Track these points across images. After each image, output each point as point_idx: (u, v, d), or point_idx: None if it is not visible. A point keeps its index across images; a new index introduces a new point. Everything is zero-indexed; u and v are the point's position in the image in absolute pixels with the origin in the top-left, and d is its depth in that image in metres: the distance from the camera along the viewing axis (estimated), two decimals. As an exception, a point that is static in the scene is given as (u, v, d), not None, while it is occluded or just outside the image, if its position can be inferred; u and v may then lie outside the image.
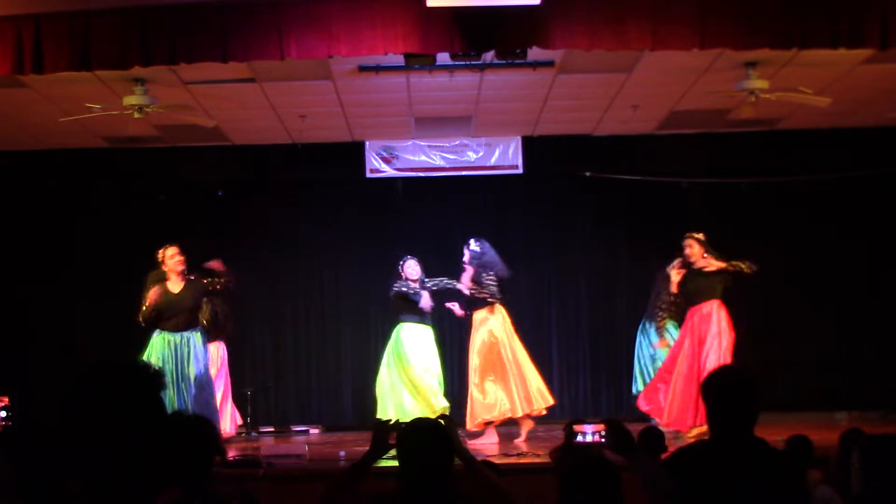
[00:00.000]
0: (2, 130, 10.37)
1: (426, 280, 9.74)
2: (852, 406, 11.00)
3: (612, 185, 11.47)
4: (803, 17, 7.00)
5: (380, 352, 11.21)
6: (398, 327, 9.79)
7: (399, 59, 7.91)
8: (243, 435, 10.47)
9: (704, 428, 7.57)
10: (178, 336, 8.34)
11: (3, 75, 7.37)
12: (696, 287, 9.03)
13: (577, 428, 3.43)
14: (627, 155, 11.38)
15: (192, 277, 8.55)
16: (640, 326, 10.61)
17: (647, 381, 10.08)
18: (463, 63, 8.21)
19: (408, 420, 3.63)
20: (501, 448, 8.55)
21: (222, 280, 8.69)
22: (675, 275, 9.11)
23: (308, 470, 7.25)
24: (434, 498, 3.22)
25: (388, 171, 11.39)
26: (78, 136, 10.44)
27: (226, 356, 10.05)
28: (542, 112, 10.37)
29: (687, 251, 9.10)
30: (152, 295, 8.27)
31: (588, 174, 11.49)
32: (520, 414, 9.10)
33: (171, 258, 8.46)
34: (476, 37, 6.96)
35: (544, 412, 9.35)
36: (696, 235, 9.19)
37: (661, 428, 7.05)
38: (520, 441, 8.97)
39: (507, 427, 9.78)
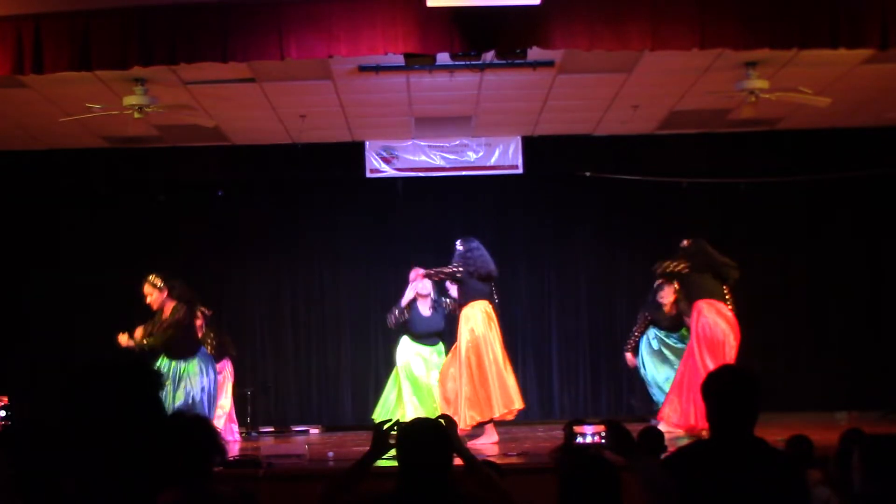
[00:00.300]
0: (2, 130, 10.37)
1: (441, 300, 9.68)
2: (852, 406, 11.00)
3: (612, 185, 11.47)
4: (803, 17, 7.00)
5: (380, 352, 11.25)
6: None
7: (399, 59, 7.91)
8: (243, 435, 10.47)
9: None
10: (168, 363, 8.29)
11: (3, 75, 7.37)
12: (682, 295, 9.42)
13: (577, 429, 3.43)
14: (627, 155, 11.38)
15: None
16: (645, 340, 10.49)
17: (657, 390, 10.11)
18: (463, 63, 8.21)
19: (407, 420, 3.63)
20: (501, 448, 8.53)
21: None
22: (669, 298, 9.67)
23: (308, 470, 7.24)
24: (434, 498, 3.22)
25: (388, 171, 11.39)
26: (78, 136, 10.45)
27: (232, 375, 10.02)
28: (542, 112, 10.37)
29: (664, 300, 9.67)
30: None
31: (588, 174, 11.49)
32: (496, 415, 8.94)
33: (147, 293, 8.37)
34: (476, 37, 6.96)
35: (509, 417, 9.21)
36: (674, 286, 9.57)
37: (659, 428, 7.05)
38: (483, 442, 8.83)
39: (506, 427, 9.80)
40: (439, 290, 9.77)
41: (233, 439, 9.81)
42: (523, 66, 8.63)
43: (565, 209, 11.85)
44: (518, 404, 8.93)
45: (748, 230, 11.64)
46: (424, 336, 9.77)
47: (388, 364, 10.25)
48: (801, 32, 7.03)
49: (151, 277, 8.37)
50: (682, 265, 9.13)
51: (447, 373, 9.12)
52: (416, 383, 9.76)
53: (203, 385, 8.29)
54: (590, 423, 3.50)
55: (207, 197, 11.55)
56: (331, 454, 7.97)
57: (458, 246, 9.27)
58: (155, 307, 8.35)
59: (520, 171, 11.37)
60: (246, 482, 6.39)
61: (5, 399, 7.15)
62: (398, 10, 6.92)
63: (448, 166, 11.42)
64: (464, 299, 9.04)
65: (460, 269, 9.04)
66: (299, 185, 11.65)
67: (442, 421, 3.51)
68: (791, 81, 8.75)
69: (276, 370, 11.73)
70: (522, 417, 11.48)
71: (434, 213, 11.84)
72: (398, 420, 3.66)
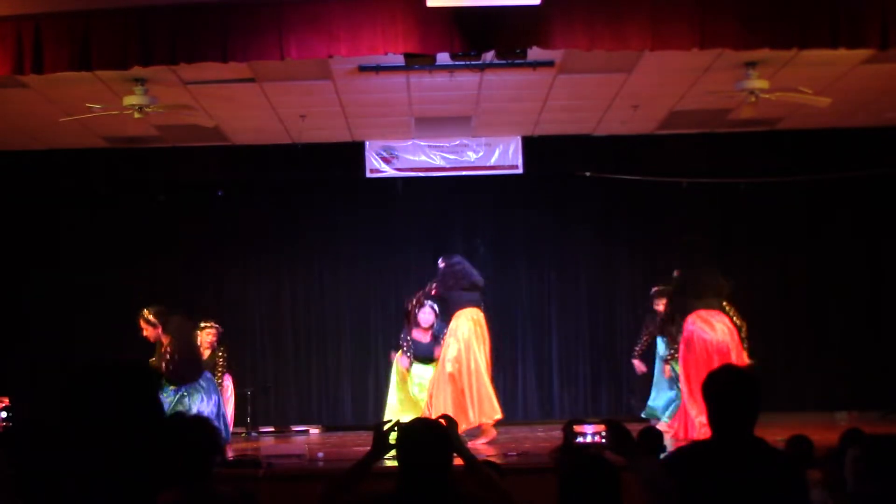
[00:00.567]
0: (2, 130, 10.37)
1: (443, 331, 9.58)
2: (852, 406, 11.00)
3: (612, 185, 11.47)
4: (803, 17, 7.00)
5: (380, 352, 11.24)
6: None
7: (399, 59, 7.91)
8: (243, 435, 10.47)
9: None
10: (166, 391, 8.27)
11: (3, 75, 7.37)
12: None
13: (577, 429, 3.43)
14: (627, 155, 11.38)
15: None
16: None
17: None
18: (463, 63, 8.21)
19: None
20: (501, 448, 8.53)
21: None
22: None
23: (308, 470, 7.25)
24: (434, 498, 3.22)
25: (388, 171, 11.39)
26: (78, 136, 10.45)
27: (232, 388, 10.05)
28: (542, 112, 10.37)
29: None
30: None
31: (588, 174, 11.48)
32: (474, 423, 8.95)
33: (143, 328, 8.34)
34: (476, 37, 6.96)
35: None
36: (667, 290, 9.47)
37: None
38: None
39: (506, 427, 9.79)
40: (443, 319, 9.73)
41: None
42: (523, 66, 8.63)
43: (565, 209, 11.85)
44: (497, 415, 8.94)
45: (748, 230, 11.64)
46: (421, 359, 9.81)
47: (388, 364, 10.25)
48: (801, 32, 7.03)
49: (145, 313, 8.35)
50: (667, 313, 9.32)
51: (434, 382, 9.17)
52: (406, 395, 9.85)
53: (201, 410, 8.26)
54: (590, 423, 3.50)
55: (207, 197, 11.55)
56: (320, 455, 7.98)
57: (440, 263, 9.36)
58: (151, 340, 8.37)
59: (520, 171, 11.36)
60: (246, 482, 6.39)
61: (6, 400, 7.16)
62: (398, 10, 6.92)
63: (448, 166, 11.42)
64: (451, 310, 9.13)
65: (434, 287, 9.22)
66: (299, 185, 11.65)
67: (442, 421, 3.51)
68: (791, 81, 8.75)
69: (276, 370, 11.73)
70: (522, 417, 11.55)
71: (434, 213, 11.84)
72: (398, 420, 3.67)
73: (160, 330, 8.33)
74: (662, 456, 4.61)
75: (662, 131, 11.13)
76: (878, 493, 3.68)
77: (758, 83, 8.59)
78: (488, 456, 7.12)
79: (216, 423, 8.00)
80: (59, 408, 1.86)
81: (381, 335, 11.49)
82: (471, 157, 11.39)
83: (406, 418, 9.34)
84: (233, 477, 6.57)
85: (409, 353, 9.67)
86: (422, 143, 11.36)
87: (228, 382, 9.90)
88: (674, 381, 9.82)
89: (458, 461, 3.43)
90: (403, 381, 9.98)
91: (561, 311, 11.92)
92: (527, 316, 11.90)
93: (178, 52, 7.06)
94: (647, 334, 10.28)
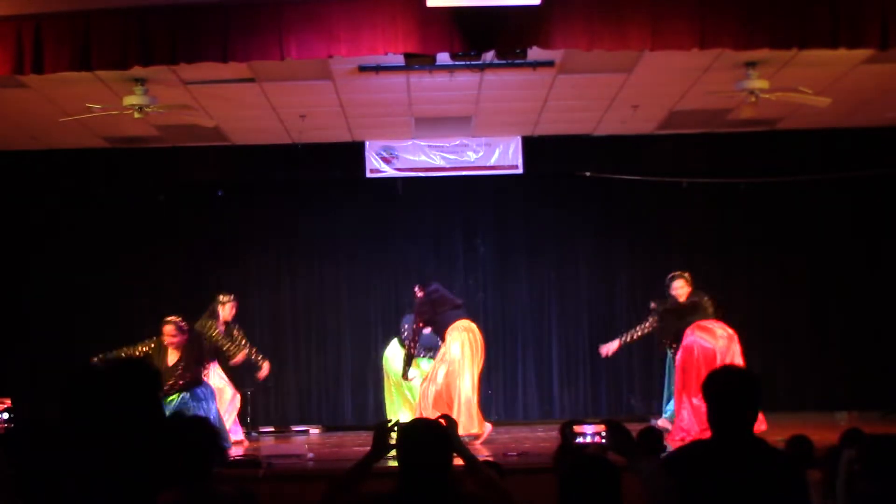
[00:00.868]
0: (2, 130, 10.37)
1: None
2: (852, 406, 11.00)
3: (612, 185, 11.48)
4: (803, 17, 7.00)
5: (380, 352, 11.23)
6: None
7: (399, 59, 7.91)
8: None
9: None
10: (166, 398, 8.27)
11: (3, 75, 7.37)
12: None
13: (577, 428, 3.43)
14: (627, 155, 11.38)
15: (188, 342, 8.51)
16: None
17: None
18: (463, 63, 8.22)
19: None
20: (500, 448, 8.53)
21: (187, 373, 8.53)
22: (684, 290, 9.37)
23: (308, 470, 7.25)
24: (434, 498, 3.22)
25: (388, 171, 11.39)
26: (78, 136, 10.45)
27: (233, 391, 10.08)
28: (542, 112, 10.37)
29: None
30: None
31: (588, 174, 11.48)
32: None
33: (169, 336, 8.39)
34: (476, 37, 6.96)
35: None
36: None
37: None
38: None
39: (506, 427, 9.79)
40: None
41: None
42: (523, 66, 8.63)
43: (565, 209, 11.84)
44: (474, 429, 8.92)
45: (748, 230, 11.64)
46: (422, 349, 9.87)
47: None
48: (801, 32, 7.03)
49: (176, 320, 8.46)
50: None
51: (422, 395, 9.21)
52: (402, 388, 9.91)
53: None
54: (590, 423, 3.50)
55: (207, 197, 11.55)
56: (311, 455, 7.99)
57: (417, 293, 9.42)
58: (172, 348, 8.39)
59: (520, 171, 11.36)
60: (246, 482, 6.39)
61: (8, 402, 7.16)
62: (398, 10, 6.92)
63: (448, 166, 11.42)
64: (443, 329, 9.16)
65: (419, 323, 9.26)
66: (299, 185, 11.64)
67: (442, 421, 3.51)
68: (791, 81, 8.75)
69: (276, 370, 11.70)
70: (522, 417, 11.55)
71: (434, 213, 11.84)
72: (398, 420, 3.67)
73: (187, 338, 8.42)
74: (662, 456, 4.60)
75: (662, 131, 11.13)
76: (877, 493, 3.68)
77: (758, 83, 8.59)
78: (488, 456, 7.12)
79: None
80: (59, 408, 1.86)
81: (382, 335, 11.48)
82: (471, 157, 11.39)
83: (403, 415, 9.44)
84: (233, 477, 6.56)
85: (414, 351, 9.67)
86: (422, 143, 11.36)
87: (230, 389, 9.89)
88: None
89: (458, 461, 3.43)
90: (398, 386, 10.05)
91: (561, 311, 11.91)
92: (527, 316, 11.90)
93: (178, 52, 7.06)
94: (647, 327, 10.03)
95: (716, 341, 8.82)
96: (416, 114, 10.37)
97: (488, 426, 9.25)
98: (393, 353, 10.36)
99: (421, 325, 9.31)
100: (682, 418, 8.82)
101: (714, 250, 11.61)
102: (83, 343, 10.75)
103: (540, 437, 9.55)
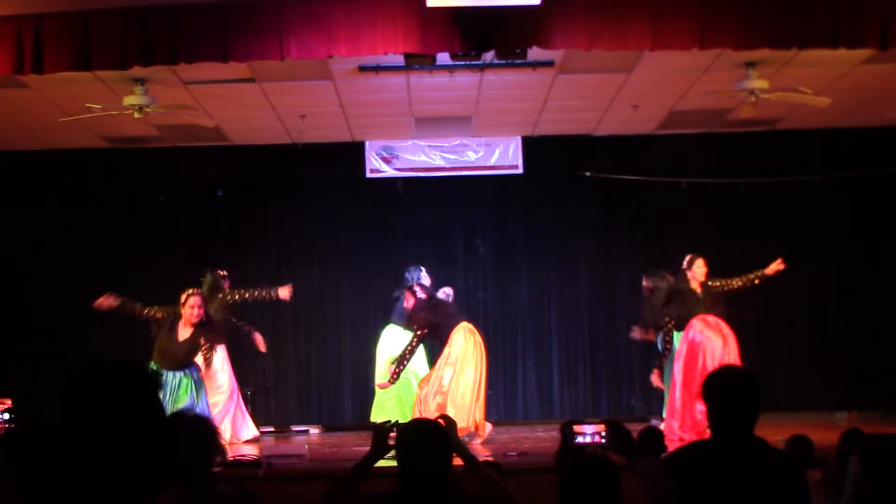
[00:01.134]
0: (2, 130, 10.37)
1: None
2: (852, 406, 11.00)
3: (612, 185, 11.47)
4: (803, 17, 7.00)
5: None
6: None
7: (399, 59, 7.91)
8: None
9: None
10: (169, 374, 8.35)
11: (3, 75, 7.37)
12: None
13: (577, 429, 3.43)
14: (627, 155, 11.38)
15: (201, 326, 8.60)
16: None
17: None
18: (463, 63, 8.22)
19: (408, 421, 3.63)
20: (500, 448, 8.53)
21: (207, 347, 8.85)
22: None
23: (308, 470, 7.25)
24: (434, 498, 3.22)
25: (388, 171, 11.39)
26: (78, 136, 10.45)
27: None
28: (542, 112, 10.37)
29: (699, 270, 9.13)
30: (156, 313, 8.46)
31: (588, 174, 11.48)
32: None
33: (192, 307, 8.43)
34: (476, 37, 6.96)
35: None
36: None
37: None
38: None
39: (506, 427, 9.78)
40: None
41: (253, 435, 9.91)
42: (523, 66, 8.63)
43: (565, 209, 11.84)
44: (462, 423, 8.84)
45: (748, 230, 11.64)
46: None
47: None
48: (801, 32, 7.03)
49: (199, 291, 8.68)
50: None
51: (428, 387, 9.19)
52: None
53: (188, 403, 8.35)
54: (590, 423, 3.50)
55: (207, 197, 11.55)
56: (306, 449, 8.00)
57: (419, 293, 9.32)
58: (187, 324, 8.43)
59: (520, 171, 11.37)
60: (246, 482, 6.39)
61: (8, 402, 7.16)
62: (398, 10, 6.92)
63: (448, 166, 11.42)
64: (445, 332, 9.15)
65: (423, 331, 9.15)
66: (299, 185, 11.64)
67: (441, 421, 3.51)
68: (791, 81, 8.75)
69: (276, 370, 11.72)
70: (522, 417, 11.55)
71: (434, 213, 11.84)
72: (397, 420, 3.67)
73: (204, 315, 8.56)
74: (663, 456, 4.60)
75: (662, 131, 11.13)
76: (878, 493, 3.68)
77: (758, 83, 8.59)
78: (488, 456, 7.11)
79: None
80: (59, 408, 1.86)
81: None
82: (471, 157, 11.40)
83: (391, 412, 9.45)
84: (233, 477, 6.56)
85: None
86: (422, 143, 11.36)
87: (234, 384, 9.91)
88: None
89: (458, 461, 3.43)
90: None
91: (561, 311, 11.92)
92: (527, 316, 11.90)
93: (178, 52, 7.06)
94: (668, 332, 9.90)
95: (719, 340, 8.82)
96: (416, 114, 10.37)
97: (488, 426, 9.25)
98: (389, 340, 10.22)
99: (424, 331, 9.16)
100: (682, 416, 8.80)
101: (714, 250, 11.60)
102: (83, 343, 10.78)
103: (540, 437, 9.54)
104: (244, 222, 11.68)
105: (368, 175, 11.38)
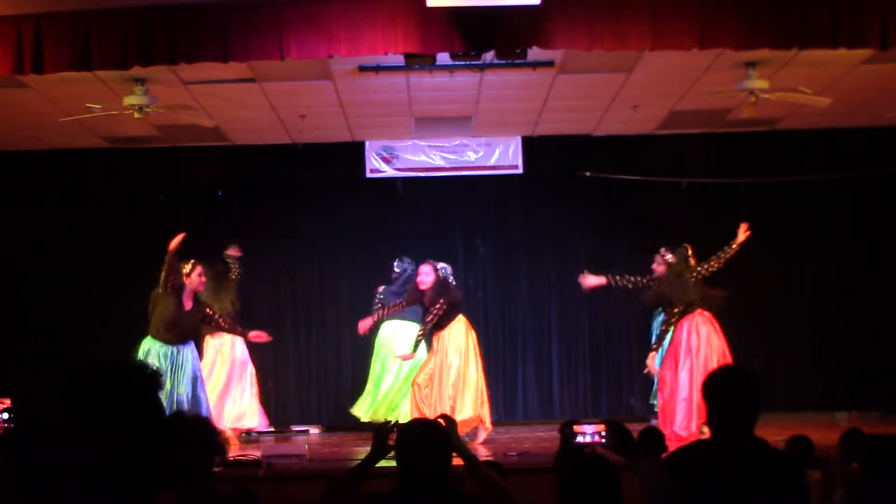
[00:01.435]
0: (2, 130, 10.37)
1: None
2: (852, 406, 11.00)
3: (612, 185, 11.47)
4: (803, 17, 7.00)
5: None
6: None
7: (399, 59, 7.91)
8: (243, 435, 10.46)
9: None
10: (172, 349, 8.40)
11: (3, 75, 7.37)
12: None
13: (577, 428, 3.43)
14: (627, 155, 11.38)
15: (201, 302, 8.86)
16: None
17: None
18: (463, 63, 8.21)
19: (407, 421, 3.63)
20: (500, 448, 8.53)
21: (216, 318, 9.00)
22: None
23: (308, 470, 7.25)
24: (434, 498, 3.22)
25: (388, 171, 11.39)
26: (78, 136, 10.45)
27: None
28: (542, 112, 10.37)
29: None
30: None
31: (588, 174, 11.48)
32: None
33: (198, 276, 8.74)
34: (476, 37, 6.96)
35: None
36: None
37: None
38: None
39: (506, 427, 9.78)
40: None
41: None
42: (523, 66, 8.63)
43: (565, 209, 11.84)
44: (471, 413, 8.98)
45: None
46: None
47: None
48: (801, 32, 7.03)
49: (196, 262, 8.88)
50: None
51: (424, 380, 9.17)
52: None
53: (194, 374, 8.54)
54: (590, 423, 3.50)
55: (207, 197, 11.54)
56: (305, 447, 8.02)
57: (430, 273, 9.27)
58: (188, 296, 8.68)
59: (520, 171, 11.37)
60: (246, 482, 6.39)
61: (8, 402, 7.16)
62: (398, 10, 6.92)
63: (448, 166, 11.42)
64: (450, 318, 9.14)
65: (440, 304, 9.12)
66: (299, 185, 11.64)
67: (441, 421, 3.51)
68: (791, 81, 8.75)
69: (276, 370, 11.72)
70: (522, 417, 11.55)
71: (434, 213, 11.83)
72: (397, 421, 3.67)
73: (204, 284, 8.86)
74: (663, 456, 4.60)
75: (662, 131, 11.13)
76: (878, 493, 3.68)
77: (758, 83, 8.59)
78: (488, 456, 7.12)
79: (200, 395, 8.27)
80: (60, 408, 1.86)
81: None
82: (471, 157, 11.39)
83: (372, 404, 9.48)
84: (233, 477, 6.56)
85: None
86: (422, 143, 11.36)
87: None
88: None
89: (458, 461, 3.43)
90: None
91: (561, 311, 11.91)
92: (527, 316, 11.89)
93: (178, 52, 7.06)
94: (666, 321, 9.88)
95: (717, 338, 8.87)
96: (416, 114, 10.37)
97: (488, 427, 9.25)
98: (392, 333, 10.18)
99: (445, 308, 9.09)
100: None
101: (714, 250, 11.58)
102: (83, 343, 10.77)
103: (540, 437, 9.54)
104: (244, 222, 11.66)
105: (368, 175, 11.38)
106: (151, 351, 8.44)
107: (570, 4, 6.95)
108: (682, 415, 8.77)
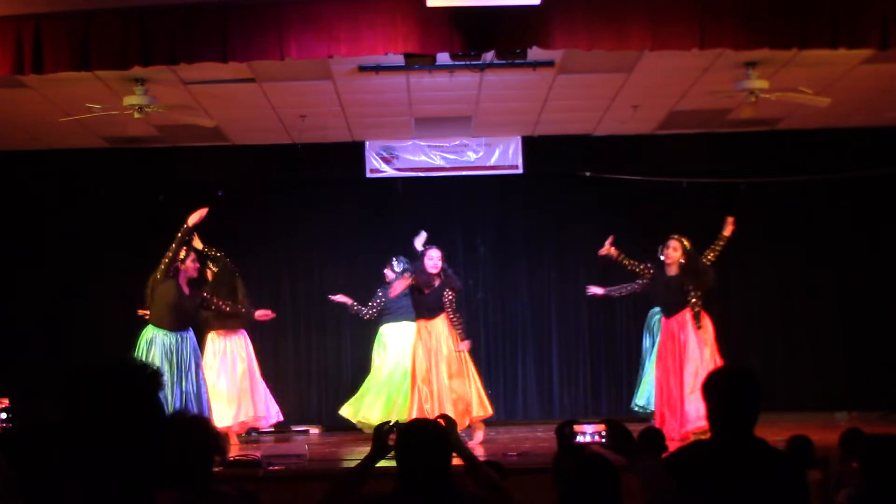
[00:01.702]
0: (2, 130, 10.37)
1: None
2: (852, 406, 11.00)
3: (612, 185, 11.47)
4: (803, 17, 7.00)
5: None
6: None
7: (399, 59, 7.91)
8: (243, 435, 10.47)
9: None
10: (175, 337, 8.42)
11: (3, 75, 7.36)
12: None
13: (576, 428, 3.43)
14: (627, 155, 11.37)
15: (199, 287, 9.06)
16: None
17: None
18: (463, 63, 8.21)
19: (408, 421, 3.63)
20: (500, 448, 8.53)
21: (215, 301, 9.19)
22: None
23: (308, 470, 7.25)
24: (434, 498, 3.22)
25: (388, 171, 11.39)
26: (78, 136, 10.44)
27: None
28: (542, 112, 10.37)
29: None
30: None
31: (588, 174, 11.48)
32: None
33: (192, 262, 8.89)
34: (476, 37, 6.96)
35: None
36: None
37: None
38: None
39: (506, 427, 9.77)
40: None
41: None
42: (523, 66, 8.63)
43: (565, 209, 11.84)
44: (482, 412, 9.05)
45: (748, 230, 11.62)
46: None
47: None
48: (801, 32, 7.03)
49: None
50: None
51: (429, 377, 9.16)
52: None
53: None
54: (589, 423, 3.49)
55: (207, 197, 11.52)
56: (304, 446, 8.02)
57: (438, 263, 9.30)
58: (184, 283, 8.83)
59: (520, 171, 11.36)
60: (246, 482, 6.39)
61: (6, 401, 7.16)
62: (398, 11, 6.92)
63: (448, 166, 11.42)
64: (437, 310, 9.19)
65: (456, 285, 9.33)
66: (299, 185, 11.64)
67: (441, 421, 3.51)
68: (791, 81, 8.75)
69: (276, 370, 11.71)
70: (522, 417, 11.55)
71: (434, 213, 11.83)
72: (397, 421, 3.67)
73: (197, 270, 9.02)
74: (663, 456, 4.60)
75: (662, 131, 11.13)
76: (878, 493, 3.68)
77: (758, 83, 8.59)
78: (488, 456, 7.11)
79: (202, 394, 8.32)
80: (59, 408, 1.86)
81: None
82: (471, 157, 11.39)
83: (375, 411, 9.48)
84: (233, 477, 6.56)
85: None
86: (422, 143, 11.36)
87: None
88: None
89: (458, 461, 3.43)
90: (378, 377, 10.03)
91: (561, 311, 11.91)
92: (527, 316, 11.89)
93: (178, 52, 7.06)
94: (633, 287, 9.87)
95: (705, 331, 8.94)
96: (416, 114, 10.37)
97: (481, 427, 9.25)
98: (395, 336, 10.16)
99: (457, 288, 9.28)
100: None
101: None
102: (83, 343, 10.78)
103: (540, 437, 9.55)
104: (244, 222, 11.67)
105: (368, 175, 11.38)
106: (155, 340, 8.46)
107: (570, 4, 6.95)
108: (694, 406, 8.63)
